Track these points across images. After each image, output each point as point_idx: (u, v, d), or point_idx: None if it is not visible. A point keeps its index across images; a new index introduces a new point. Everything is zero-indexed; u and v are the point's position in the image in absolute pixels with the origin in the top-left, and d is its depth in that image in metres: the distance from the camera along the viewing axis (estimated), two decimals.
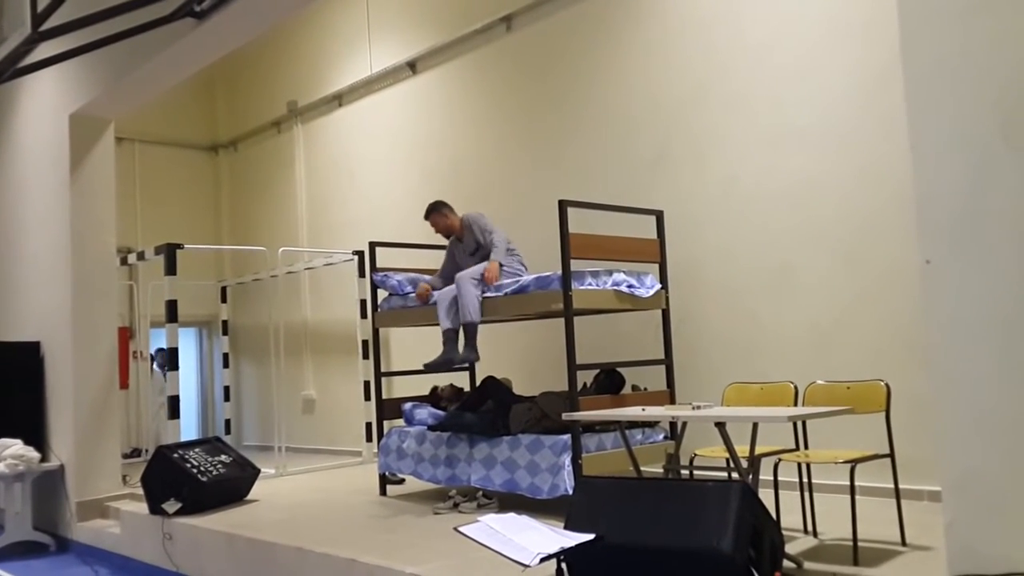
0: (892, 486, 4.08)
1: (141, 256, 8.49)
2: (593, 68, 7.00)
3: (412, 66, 8.78)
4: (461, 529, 2.98)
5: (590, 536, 2.93)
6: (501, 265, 5.72)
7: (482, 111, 8.06)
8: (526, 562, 2.72)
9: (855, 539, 3.82)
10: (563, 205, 5.14)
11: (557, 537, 2.90)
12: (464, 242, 6.17)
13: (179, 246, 7.76)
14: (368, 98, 9.45)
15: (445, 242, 6.47)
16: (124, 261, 8.90)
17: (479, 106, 8.10)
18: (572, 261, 5.10)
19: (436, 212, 6.25)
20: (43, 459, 7.35)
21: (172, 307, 7.56)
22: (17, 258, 8.47)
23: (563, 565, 2.84)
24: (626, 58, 6.76)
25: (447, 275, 6.12)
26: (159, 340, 8.13)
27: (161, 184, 11.36)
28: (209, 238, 11.51)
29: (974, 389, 2.81)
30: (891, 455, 4.06)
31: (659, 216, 5.83)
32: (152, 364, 10.50)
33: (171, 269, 7.62)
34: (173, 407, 7.59)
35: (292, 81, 10.60)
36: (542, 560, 2.73)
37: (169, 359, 7.66)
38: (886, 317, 5.24)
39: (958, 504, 2.84)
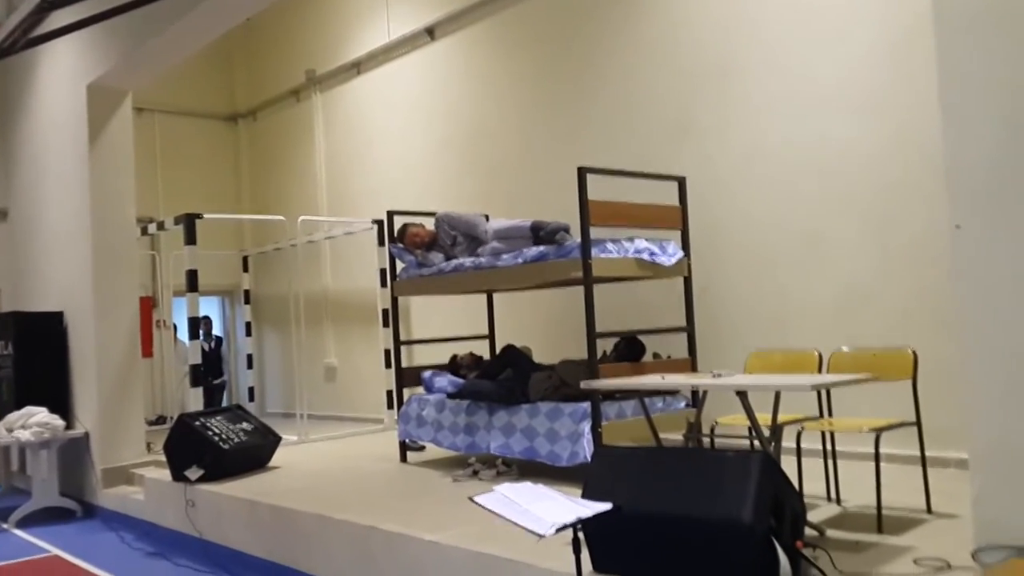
0: (918, 454, 4.01)
1: (161, 226, 8.51)
2: (615, 34, 6.85)
3: (430, 32, 8.67)
4: (476, 499, 2.95)
5: (607, 506, 2.89)
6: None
7: (501, 77, 7.95)
8: (542, 532, 2.68)
9: (879, 507, 3.76)
10: (582, 172, 5.05)
11: (573, 506, 2.86)
12: (440, 241, 6.18)
13: (198, 216, 7.77)
14: (387, 65, 9.35)
15: (467, 209, 6.44)
16: (145, 231, 8.92)
17: (498, 72, 7.98)
18: (592, 228, 5.02)
19: (407, 232, 6.33)
20: (68, 427, 7.45)
21: (193, 276, 7.58)
22: (38, 229, 8.52)
23: (579, 535, 2.81)
24: (649, 24, 6.61)
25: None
26: (182, 309, 8.17)
27: (181, 154, 11.36)
28: (229, 208, 11.52)
29: (1005, 357, 2.73)
30: (918, 423, 3.98)
31: (681, 182, 5.72)
32: (175, 334, 10.57)
33: (191, 239, 7.62)
34: (196, 375, 7.64)
35: (310, 49, 10.51)
36: (558, 530, 2.69)
37: (192, 328, 7.68)
38: (914, 284, 5.13)
39: (987, 474, 2.78)
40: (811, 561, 3.15)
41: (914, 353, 4.06)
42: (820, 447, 4.30)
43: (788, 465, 3.52)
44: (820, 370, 4.42)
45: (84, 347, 7.58)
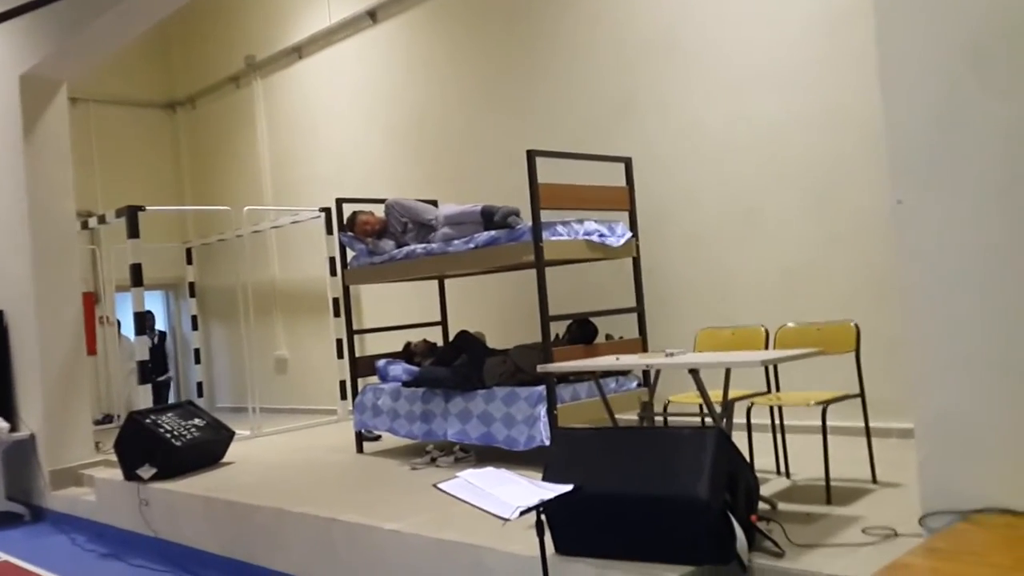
0: (863, 425, 4.14)
1: (102, 220, 8.31)
2: (558, 14, 6.87)
3: (372, 15, 8.58)
4: (440, 486, 2.97)
5: (568, 487, 2.94)
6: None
7: (445, 60, 7.91)
8: (506, 516, 2.72)
9: (827, 479, 3.89)
10: (531, 155, 5.08)
11: (536, 490, 2.90)
12: (391, 228, 6.17)
13: (140, 208, 7.59)
14: (328, 50, 9.23)
15: (414, 194, 6.41)
16: (85, 225, 8.70)
17: (442, 55, 7.94)
18: (542, 211, 5.05)
19: (356, 220, 6.31)
20: (13, 429, 7.26)
21: (137, 270, 7.42)
22: None
23: (543, 517, 2.85)
24: (591, 3, 6.64)
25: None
26: (125, 304, 8.00)
27: (119, 145, 11.08)
28: (171, 199, 11.27)
29: (949, 328, 2.83)
30: (861, 395, 4.11)
31: (627, 163, 5.79)
32: (119, 330, 10.35)
33: (133, 232, 7.46)
34: (143, 372, 7.50)
35: (249, 34, 10.32)
36: (522, 513, 2.73)
37: (138, 323, 7.53)
38: (856, 259, 5.27)
39: (932, 442, 2.88)
40: (765, 534, 3.25)
41: (857, 327, 4.18)
42: (769, 422, 4.42)
43: (739, 440, 3.61)
44: (767, 346, 4.53)
45: (26, 346, 7.39)
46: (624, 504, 3.15)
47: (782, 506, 3.82)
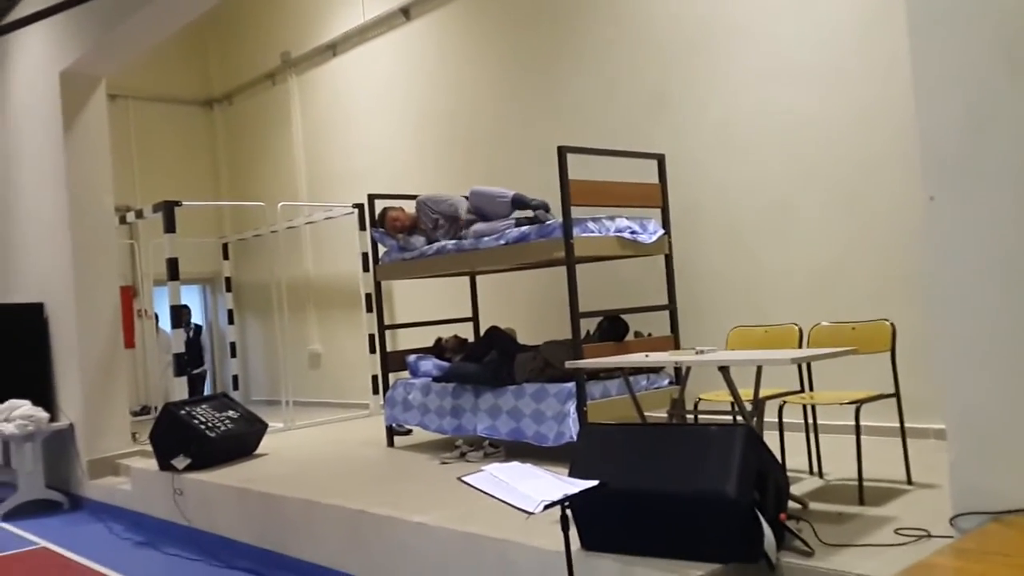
0: (898, 425, 4.07)
1: (140, 214, 8.44)
2: (589, 10, 6.84)
3: (406, 12, 8.61)
4: (465, 479, 2.97)
5: (594, 483, 2.93)
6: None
7: (477, 56, 7.92)
8: (530, 509, 2.72)
9: (860, 479, 3.83)
10: (562, 151, 5.06)
11: (561, 484, 2.89)
12: (421, 224, 6.17)
13: (177, 203, 7.70)
14: (362, 46, 9.28)
15: (445, 190, 6.43)
16: (123, 220, 8.85)
17: (474, 51, 7.95)
18: (573, 208, 5.03)
19: (387, 217, 6.31)
20: (52, 419, 7.41)
21: (173, 265, 7.53)
22: (16, 220, 8.44)
23: (567, 512, 2.84)
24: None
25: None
26: (163, 298, 8.12)
27: (157, 141, 11.25)
28: (207, 194, 11.43)
29: (976, 325, 2.78)
30: (896, 394, 4.04)
31: (660, 160, 5.74)
32: (157, 323, 10.52)
33: (170, 227, 7.57)
34: (179, 364, 7.61)
35: (285, 31, 10.41)
36: (546, 507, 2.72)
37: (174, 317, 7.64)
38: (888, 256, 5.19)
39: (963, 442, 2.83)
40: (795, 533, 3.20)
41: (892, 325, 4.11)
42: (802, 421, 4.36)
43: (771, 439, 3.57)
44: (800, 344, 4.47)
45: (66, 338, 7.54)
46: (650, 500, 3.13)
47: (814, 506, 3.77)
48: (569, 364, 4.48)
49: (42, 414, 7.23)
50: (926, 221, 2.90)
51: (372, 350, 8.36)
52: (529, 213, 5.40)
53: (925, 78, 2.91)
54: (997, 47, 2.72)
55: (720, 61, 6.00)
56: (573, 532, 2.97)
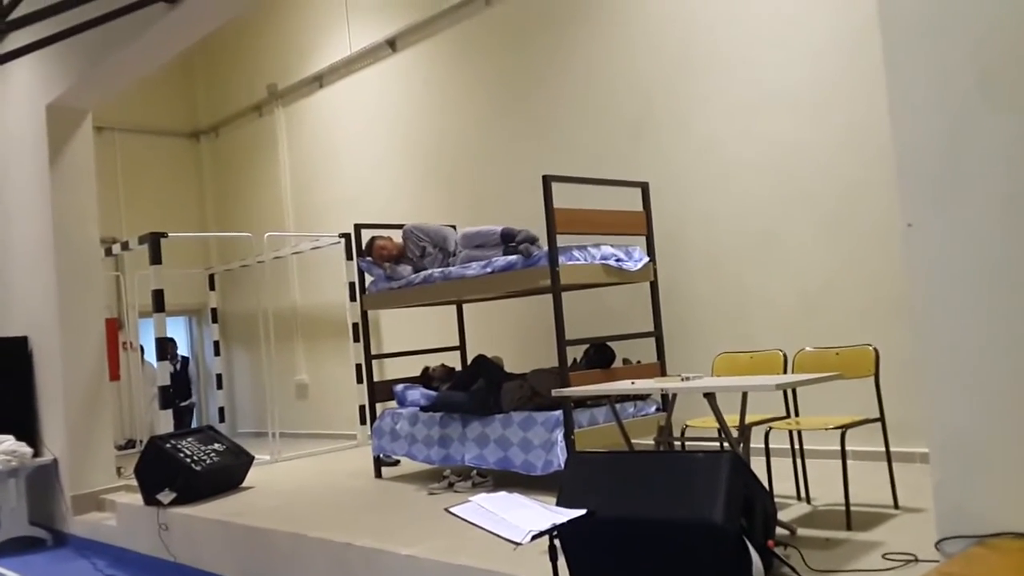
0: (884, 449, 4.09)
1: (125, 246, 8.42)
2: (573, 39, 6.93)
3: (392, 44, 8.69)
4: (452, 510, 2.97)
5: (581, 512, 2.92)
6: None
7: (463, 87, 7.99)
8: (518, 540, 2.71)
9: (847, 504, 3.83)
10: (547, 180, 5.10)
11: (548, 514, 2.89)
12: (409, 253, 6.19)
13: (163, 235, 7.70)
14: (349, 78, 9.35)
15: (432, 220, 6.45)
16: (109, 252, 8.82)
17: (460, 82, 8.02)
18: (558, 236, 5.06)
19: (374, 246, 6.33)
20: (36, 454, 7.33)
21: (159, 296, 7.51)
22: (0, 253, 8.39)
23: (555, 542, 2.84)
24: (606, 27, 6.69)
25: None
26: (148, 330, 8.08)
27: (143, 173, 11.25)
28: (194, 225, 11.42)
29: (959, 350, 2.81)
30: (881, 419, 4.07)
31: (644, 188, 5.79)
32: (142, 356, 10.44)
33: (156, 258, 7.56)
34: (165, 397, 7.56)
35: (271, 63, 10.48)
36: (534, 537, 2.72)
37: (160, 349, 7.60)
38: (873, 281, 5.23)
39: (946, 465, 2.84)
40: (783, 559, 3.21)
41: (875, 350, 4.14)
42: (788, 446, 4.37)
43: (757, 465, 3.58)
44: (785, 370, 4.50)
45: (51, 372, 7.47)
46: (638, 528, 3.12)
47: (801, 531, 3.78)
48: (556, 392, 4.48)
49: (26, 449, 7.15)
50: (905, 247, 2.93)
51: (359, 380, 8.33)
52: (526, 254, 5.34)
53: (900, 103, 2.95)
54: (971, 70, 2.77)
55: (703, 88, 6.08)
56: (562, 562, 2.96)
